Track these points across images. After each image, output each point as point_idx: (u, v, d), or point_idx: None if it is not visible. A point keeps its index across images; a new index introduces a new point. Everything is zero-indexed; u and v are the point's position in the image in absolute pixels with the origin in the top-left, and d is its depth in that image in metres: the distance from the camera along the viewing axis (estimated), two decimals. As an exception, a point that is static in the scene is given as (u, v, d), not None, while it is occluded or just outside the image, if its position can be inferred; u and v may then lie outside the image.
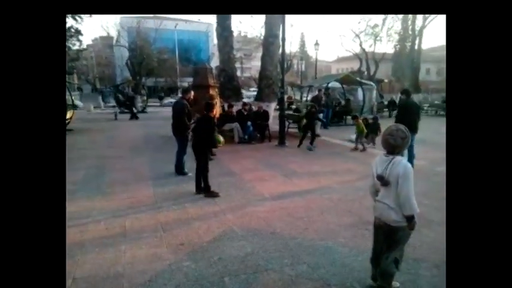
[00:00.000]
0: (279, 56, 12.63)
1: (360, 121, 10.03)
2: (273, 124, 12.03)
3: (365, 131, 9.96)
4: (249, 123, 10.93)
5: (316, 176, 6.83)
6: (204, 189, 5.66)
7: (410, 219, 2.61)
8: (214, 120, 5.73)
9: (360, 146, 9.73)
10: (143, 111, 25.83)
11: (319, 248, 3.71)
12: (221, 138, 6.05)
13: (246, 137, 10.86)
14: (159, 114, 23.01)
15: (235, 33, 14.90)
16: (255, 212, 4.83)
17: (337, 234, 4.06)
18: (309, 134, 9.99)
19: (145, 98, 27.58)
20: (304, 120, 10.56)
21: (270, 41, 12.00)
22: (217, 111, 8.53)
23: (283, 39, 10.53)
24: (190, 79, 35.21)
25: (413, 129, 7.27)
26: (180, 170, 6.93)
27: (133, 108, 20.56)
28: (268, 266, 3.35)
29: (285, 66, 17.72)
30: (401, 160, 2.62)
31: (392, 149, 2.67)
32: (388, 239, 2.74)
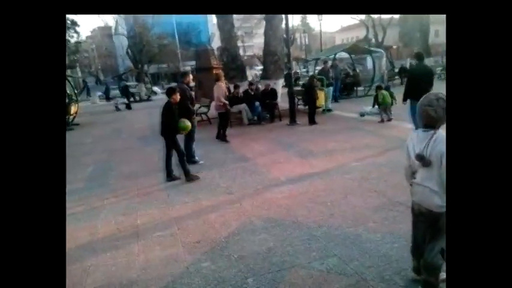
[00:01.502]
0: (283, 30, 12.04)
1: (384, 91, 9.53)
2: (282, 102, 11.60)
3: (389, 100, 9.46)
4: (257, 103, 10.49)
5: (333, 154, 6.45)
6: (185, 174, 5.63)
7: (458, 202, 2.24)
8: (173, 105, 5.49)
9: (385, 116, 9.30)
10: (148, 99, 25.58)
11: (349, 236, 3.38)
12: (187, 123, 5.62)
13: (255, 117, 10.47)
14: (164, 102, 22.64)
15: (234, 11, 14.29)
16: (273, 199, 4.51)
17: (366, 219, 3.72)
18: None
19: (149, 86, 27.17)
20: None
21: (272, 15, 11.37)
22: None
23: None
24: (193, 63, 34.63)
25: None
26: (189, 158, 6.62)
27: (127, 99, 20.18)
28: (295, 262, 3.04)
29: (289, 40, 17.05)
30: (444, 135, 2.23)
31: (433, 122, 2.27)
32: (432, 227, 2.38)
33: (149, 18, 36.93)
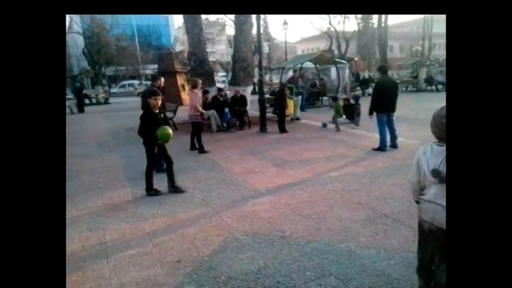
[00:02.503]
0: (253, 36, 11.91)
1: (338, 103, 10.07)
2: (251, 109, 11.43)
3: (341, 112, 10.19)
4: (226, 109, 10.23)
5: (309, 163, 6.33)
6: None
7: (471, 221, 2.13)
8: (153, 111, 4.91)
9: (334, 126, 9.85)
10: (106, 102, 24.39)
11: (342, 253, 3.20)
12: (167, 131, 4.89)
13: (225, 124, 10.18)
14: (124, 105, 21.72)
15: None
16: (255, 212, 4.26)
17: (356, 233, 3.57)
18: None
19: (107, 88, 25.91)
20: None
21: (243, 20, 11.17)
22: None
23: (258, 17, 9.84)
24: (153, 66, 33.65)
25: (392, 108, 6.97)
26: (158, 167, 6.20)
27: (79, 101, 19.00)
28: (290, 283, 2.80)
29: (254, 47, 16.99)
30: (460, 150, 2.11)
31: (450, 136, 2.15)
32: (444, 246, 2.25)
33: (108, 18, 35.50)
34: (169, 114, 10.49)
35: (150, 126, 4.85)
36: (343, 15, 30.52)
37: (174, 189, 5.11)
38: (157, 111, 4.99)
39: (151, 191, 5.10)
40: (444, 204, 2.17)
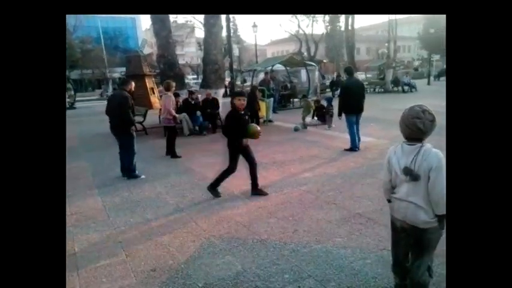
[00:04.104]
0: (223, 38, 11.85)
1: (308, 100, 10.50)
2: (223, 112, 11.35)
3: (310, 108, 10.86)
4: (198, 113, 10.11)
5: (283, 165, 6.36)
6: (252, 187, 5.02)
7: (443, 217, 2.20)
8: (238, 113, 4.78)
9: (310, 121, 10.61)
10: (72, 107, 23.51)
11: (319, 254, 3.22)
12: (258, 128, 4.99)
13: (197, 128, 10.06)
14: (91, 110, 21.05)
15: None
16: (231, 216, 4.21)
17: (332, 234, 3.61)
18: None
19: (72, 92, 24.95)
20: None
21: (212, 23, 11.09)
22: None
23: (228, 20, 9.81)
24: (121, 69, 32.75)
25: (360, 109, 7.11)
26: (130, 172, 6.03)
27: None
28: (269, 287, 2.78)
29: (225, 50, 16.96)
30: (432, 149, 2.17)
31: (420, 135, 2.20)
32: (417, 243, 2.31)
33: (71, 20, 34.29)
34: (138, 118, 10.26)
35: (237, 127, 4.75)
36: (311, 18, 31.05)
37: (258, 191, 4.94)
38: (243, 112, 4.85)
39: (214, 190, 4.95)
40: (416, 201, 2.22)
